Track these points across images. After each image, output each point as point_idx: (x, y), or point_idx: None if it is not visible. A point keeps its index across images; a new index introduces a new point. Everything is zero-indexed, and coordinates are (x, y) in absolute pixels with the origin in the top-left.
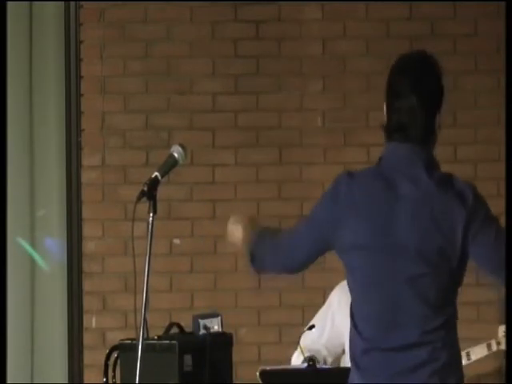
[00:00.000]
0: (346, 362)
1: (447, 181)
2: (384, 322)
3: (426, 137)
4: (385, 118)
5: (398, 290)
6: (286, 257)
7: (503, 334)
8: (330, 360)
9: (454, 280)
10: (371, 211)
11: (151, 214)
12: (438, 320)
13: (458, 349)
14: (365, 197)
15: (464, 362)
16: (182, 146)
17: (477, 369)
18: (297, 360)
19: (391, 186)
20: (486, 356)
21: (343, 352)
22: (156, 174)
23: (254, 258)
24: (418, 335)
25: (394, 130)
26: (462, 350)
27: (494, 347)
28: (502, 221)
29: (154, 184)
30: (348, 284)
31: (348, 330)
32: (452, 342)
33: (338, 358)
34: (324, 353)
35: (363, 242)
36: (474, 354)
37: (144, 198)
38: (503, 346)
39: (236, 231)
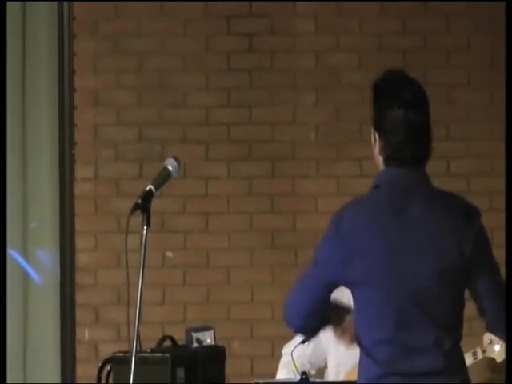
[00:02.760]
0: (328, 374)
1: (453, 199)
2: (401, 346)
3: (425, 156)
4: (377, 143)
5: (412, 313)
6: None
7: (488, 341)
8: (312, 372)
9: (463, 299)
10: (380, 241)
11: (145, 227)
12: (452, 342)
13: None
14: (371, 228)
15: None
16: (176, 158)
17: None
18: (282, 373)
19: (399, 211)
20: (473, 365)
21: (325, 366)
22: (150, 186)
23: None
24: (434, 359)
25: (392, 158)
26: None
27: (480, 355)
28: (500, 221)
29: (147, 197)
30: (357, 312)
31: (330, 346)
32: (463, 363)
33: (321, 371)
34: (307, 366)
35: (376, 274)
36: None
37: (137, 211)
38: (488, 354)
39: None
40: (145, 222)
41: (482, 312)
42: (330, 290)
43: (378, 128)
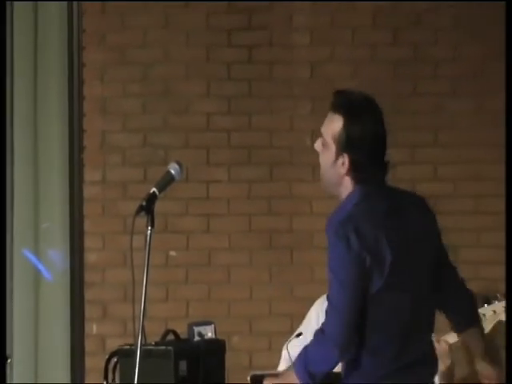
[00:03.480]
0: None
1: (426, 202)
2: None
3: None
4: (345, 165)
5: (417, 310)
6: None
7: None
8: None
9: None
10: (387, 250)
11: (149, 228)
12: (432, 331)
13: None
14: (376, 239)
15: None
16: (178, 163)
17: None
18: (282, 366)
19: (390, 218)
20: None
21: None
22: (154, 189)
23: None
24: (427, 349)
25: (372, 175)
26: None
27: None
28: (486, 223)
29: (152, 199)
30: (369, 318)
31: None
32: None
33: None
34: None
35: (390, 281)
36: (443, 342)
37: (142, 212)
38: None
39: None
40: (149, 223)
41: (444, 303)
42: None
43: (353, 150)
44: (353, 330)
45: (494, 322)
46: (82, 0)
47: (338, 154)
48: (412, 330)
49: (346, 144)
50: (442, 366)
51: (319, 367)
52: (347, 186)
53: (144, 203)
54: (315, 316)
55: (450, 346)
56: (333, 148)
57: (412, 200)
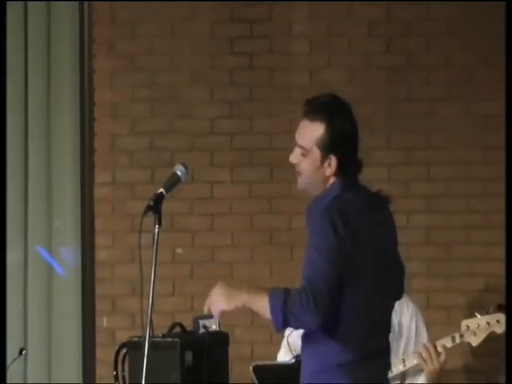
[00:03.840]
0: None
1: (389, 201)
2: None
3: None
4: (331, 166)
5: (385, 300)
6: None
7: (465, 327)
8: None
9: None
10: (369, 242)
11: (157, 226)
12: None
13: None
14: (358, 228)
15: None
16: (184, 165)
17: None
18: (283, 356)
19: (367, 215)
20: (452, 350)
21: None
22: (161, 190)
23: (287, 320)
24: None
25: (354, 174)
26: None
27: (458, 340)
28: (476, 221)
29: (159, 199)
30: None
31: None
32: None
33: None
34: None
35: (366, 272)
36: (439, 346)
37: (150, 212)
38: (465, 339)
39: (220, 302)
40: (156, 221)
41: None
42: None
43: (339, 150)
44: (333, 306)
45: (487, 332)
46: (93, 0)
47: (324, 158)
48: (379, 321)
49: (332, 146)
50: (431, 367)
51: (294, 322)
52: (334, 187)
53: (152, 203)
54: None
55: (447, 350)
56: (316, 153)
57: (382, 198)
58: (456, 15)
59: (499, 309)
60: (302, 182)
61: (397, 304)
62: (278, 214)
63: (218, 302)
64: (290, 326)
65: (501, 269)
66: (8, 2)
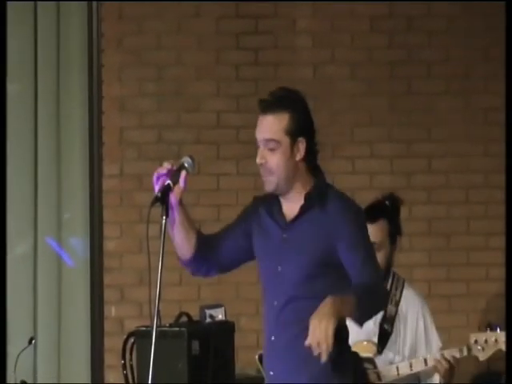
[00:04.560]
0: None
1: None
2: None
3: None
4: (300, 151)
5: None
6: None
7: (473, 341)
8: None
9: None
10: None
11: (164, 217)
12: None
13: None
14: None
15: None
16: (191, 157)
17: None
18: None
19: None
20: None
21: None
22: (168, 181)
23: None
24: None
25: (316, 164)
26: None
27: (465, 352)
28: (475, 212)
29: (166, 191)
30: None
31: None
32: None
33: None
34: None
35: None
36: (447, 354)
37: (157, 203)
38: (473, 352)
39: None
40: (164, 212)
41: None
42: None
43: (306, 133)
44: None
45: (495, 349)
46: (102, 0)
47: (293, 143)
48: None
49: (299, 129)
50: (444, 380)
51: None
52: (302, 174)
53: (159, 194)
54: None
55: (457, 360)
56: (286, 141)
57: None
58: (456, 12)
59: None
60: (272, 181)
61: (404, 298)
62: None
63: (328, 327)
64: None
65: (500, 258)
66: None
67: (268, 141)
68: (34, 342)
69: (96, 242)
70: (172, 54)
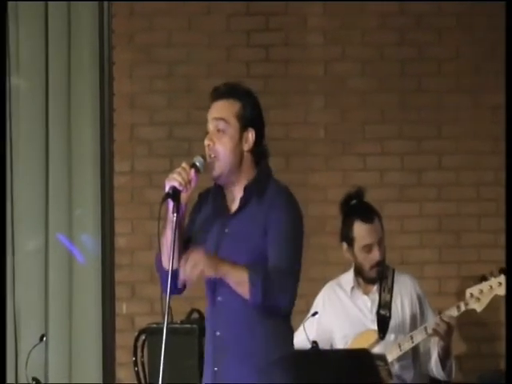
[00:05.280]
0: (336, 346)
1: None
2: None
3: None
4: (249, 140)
5: None
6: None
7: (469, 295)
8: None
9: None
10: None
11: (175, 214)
12: None
13: None
14: None
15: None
16: (203, 156)
17: None
18: (299, 341)
19: None
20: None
21: (331, 345)
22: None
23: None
24: None
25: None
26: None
27: (463, 308)
28: (486, 209)
29: (177, 189)
30: None
31: (335, 326)
32: None
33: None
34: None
35: None
36: (445, 316)
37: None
38: (470, 306)
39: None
40: (174, 209)
41: None
42: None
43: (255, 125)
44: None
45: (491, 296)
46: (113, 0)
47: (243, 131)
48: None
49: (250, 119)
50: (443, 342)
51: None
52: (248, 166)
53: (171, 191)
54: (321, 304)
55: (455, 319)
56: (236, 126)
57: None
58: (466, 9)
59: (501, 272)
60: (217, 166)
61: (396, 282)
62: None
63: (200, 265)
64: (266, 303)
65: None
66: None
67: (218, 120)
68: (45, 338)
69: (107, 239)
70: (183, 51)
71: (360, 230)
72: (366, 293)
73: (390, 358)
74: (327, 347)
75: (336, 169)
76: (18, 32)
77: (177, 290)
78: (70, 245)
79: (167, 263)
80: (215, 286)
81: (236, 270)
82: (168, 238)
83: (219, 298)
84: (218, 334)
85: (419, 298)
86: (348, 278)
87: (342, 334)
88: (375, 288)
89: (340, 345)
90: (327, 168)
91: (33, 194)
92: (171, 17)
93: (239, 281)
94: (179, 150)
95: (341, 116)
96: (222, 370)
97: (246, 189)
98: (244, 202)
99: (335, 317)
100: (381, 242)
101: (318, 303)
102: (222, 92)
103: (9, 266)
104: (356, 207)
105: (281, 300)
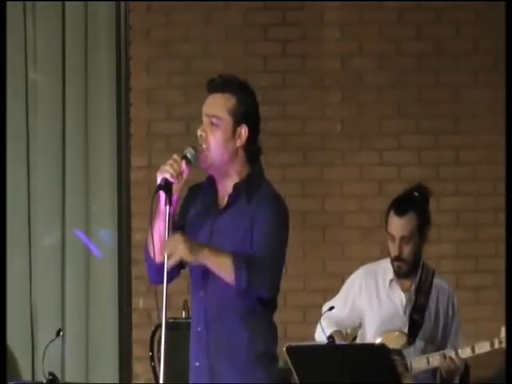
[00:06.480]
0: (364, 334)
1: None
2: None
3: None
4: (242, 136)
5: None
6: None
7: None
8: (349, 331)
9: None
10: None
11: (167, 207)
12: None
13: None
14: None
15: (470, 354)
16: (194, 148)
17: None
18: (318, 336)
19: None
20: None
21: (360, 326)
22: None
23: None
24: None
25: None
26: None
27: (497, 345)
28: (502, 203)
29: (168, 182)
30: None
31: (367, 314)
32: None
33: (355, 330)
34: (345, 323)
35: None
36: (478, 348)
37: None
38: (504, 345)
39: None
40: (167, 201)
41: None
42: None
43: (250, 121)
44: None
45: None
46: (129, 0)
47: (236, 126)
48: None
49: (244, 115)
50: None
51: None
52: (240, 162)
53: (163, 183)
54: (358, 285)
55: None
56: (229, 122)
57: None
58: (483, 4)
59: None
60: (208, 156)
61: (434, 288)
62: (311, 196)
63: (179, 249)
64: (250, 288)
65: None
66: None
67: (211, 116)
68: (61, 333)
69: (124, 234)
70: (200, 46)
71: (391, 220)
72: (404, 289)
73: (415, 370)
74: (356, 327)
75: (353, 163)
76: (35, 27)
77: (165, 278)
78: (87, 240)
79: (157, 254)
80: (197, 280)
81: (219, 254)
82: (160, 229)
83: (201, 293)
84: (199, 329)
85: (454, 313)
86: (388, 265)
87: (372, 325)
88: (413, 287)
89: (369, 334)
90: (344, 163)
91: (50, 189)
92: (188, 12)
93: (222, 265)
94: (196, 145)
95: (358, 110)
96: (202, 365)
97: (235, 186)
98: (232, 199)
99: (369, 305)
100: (408, 239)
101: (354, 284)
102: (218, 85)
103: (25, 261)
104: (400, 199)
105: (264, 287)
